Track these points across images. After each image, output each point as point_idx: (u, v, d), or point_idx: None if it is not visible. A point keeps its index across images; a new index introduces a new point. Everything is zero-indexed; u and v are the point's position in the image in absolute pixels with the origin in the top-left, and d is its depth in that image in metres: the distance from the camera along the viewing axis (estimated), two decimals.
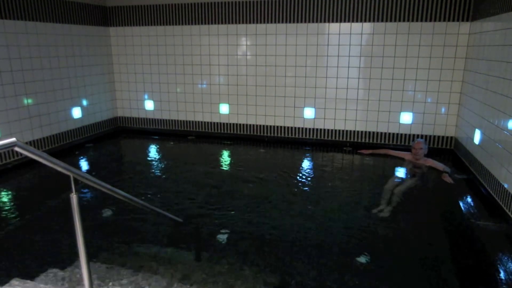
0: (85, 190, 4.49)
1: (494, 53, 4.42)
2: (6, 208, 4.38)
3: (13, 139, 1.62)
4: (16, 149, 1.64)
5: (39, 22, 5.76)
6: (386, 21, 5.92)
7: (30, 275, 2.66)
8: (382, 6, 5.87)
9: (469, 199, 4.40)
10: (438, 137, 6.17)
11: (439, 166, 5.25)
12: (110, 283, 2.51)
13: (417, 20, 5.78)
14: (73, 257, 2.90)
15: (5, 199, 4.67)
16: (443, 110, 6.03)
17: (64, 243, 3.33)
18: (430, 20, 5.73)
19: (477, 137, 4.86)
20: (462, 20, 5.60)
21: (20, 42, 5.46)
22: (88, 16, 6.79)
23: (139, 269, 2.82)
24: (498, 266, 3.05)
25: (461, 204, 4.29)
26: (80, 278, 2.48)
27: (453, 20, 5.64)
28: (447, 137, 6.13)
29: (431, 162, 5.37)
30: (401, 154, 5.83)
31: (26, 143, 1.68)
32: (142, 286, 2.50)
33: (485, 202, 4.27)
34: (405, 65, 6.01)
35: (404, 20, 5.84)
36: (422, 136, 6.20)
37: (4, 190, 4.89)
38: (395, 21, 5.88)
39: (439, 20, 5.69)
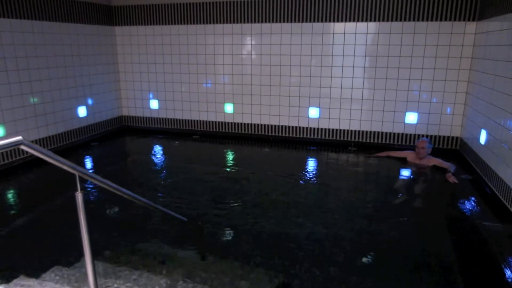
0: (90, 188, 4.51)
1: (501, 53, 4.38)
2: (12, 206, 4.42)
3: (19, 138, 1.62)
4: (22, 147, 1.65)
5: (45, 21, 5.79)
6: (392, 20, 5.89)
7: (36, 273, 2.68)
8: (387, 6, 5.85)
9: (474, 200, 4.37)
10: (444, 137, 6.14)
11: (445, 164, 5.22)
12: (115, 281, 2.52)
13: (423, 20, 5.75)
14: (78, 255, 2.92)
15: (11, 197, 4.70)
16: (448, 110, 6.00)
17: (69, 241, 3.35)
18: (436, 20, 5.69)
19: (483, 137, 4.83)
20: (469, 20, 5.56)
21: (26, 41, 5.49)
22: (94, 15, 6.82)
23: (144, 268, 2.83)
24: (504, 267, 3.03)
25: (466, 204, 4.27)
26: (85, 276, 2.49)
27: (459, 20, 5.60)
28: (453, 137, 6.09)
29: (437, 161, 5.32)
30: (403, 153, 5.77)
31: (32, 141, 1.69)
32: (146, 284, 2.51)
33: (491, 202, 4.25)
34: (411, 65, 5.98)
35: (409, 20, 5.81)
36: (427, 136, 6.16)
37: (10, 188, 4.92)
38: (400, 20, 5.85)
39: (445, 20, 5.66)
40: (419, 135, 6.22)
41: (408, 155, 5.68)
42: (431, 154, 5.46)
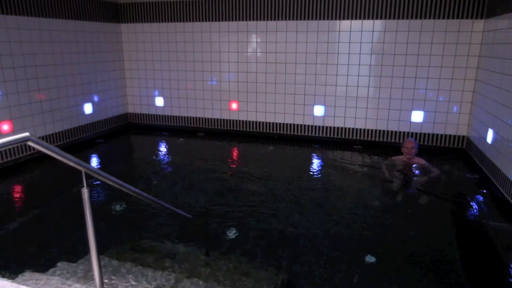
0: (96, 184, 4.53)
1: (509, 51, 4.34)
2: (19, 202, 4.45)
3: (27, 134, 1.64)
4: (30, 143, 1.66)
5: (52, 19, 5.82)
6: (398, 18, 5.85)
7: (42, 268, 2.70)
8: (394, 3, 5.81)
9: (480, 199, 4.34)
10: (450, 136, 6.10)
11: (432, 169, 5.10)
12: (120, 277, 2.53)
13: (429, 18, 5.71)
14: (84, 251, 2.94)
15: (17, 193, 4.74)
16: (455, 109, 5.96)
17: (75, 237, 3.38)
18: (443, 18, 5.65)
19: (489, 136, 4.79)
20: (476, 18, 5.51)
21: (33, 38, 5.52)
22: (100, 12, 6.84)
23: (148, 264, 2.84)
24: (509, 266, 3.01)
25: (472, 204, 4.24)
26: (91, 272, 2.51)
27: (467, 18, 5.55)
28: (459, 136, 6.05)
29: (423, 161, 5.22)
30: (395, 158, 5.64)
31: (39, 138, 1.70)
32: (151, 281, 2.52)
33: (497, 202, 4.22)
34: (417, 63, 5.94)
35: (416, 18, 5.77)
36: (433, 135, 6.13)
37: (17, 184, 4.96)
38: (407, 18, 5.81)
39: (452, 18, 5.61)
40: (425, 134, 6.19)
41: (397, 158, 5.54)
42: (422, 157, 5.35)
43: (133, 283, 2.46)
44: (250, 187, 4.71)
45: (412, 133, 6.26)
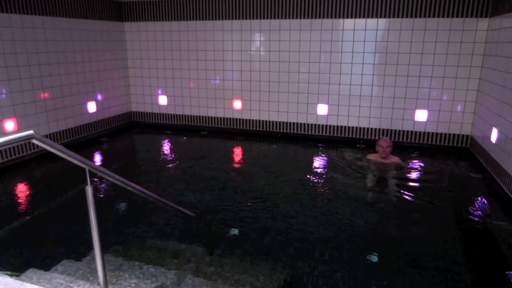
0: (100, 182, 4.55)
1: None
2: (23, 200, 4.47)
3: (31, 132, 1.64)
4: (34, 141, 1.66)
5: (55, 17, 5.84)
6: (402, 17, 5.83)
7: (46, 266, 2.72)
8: (398, 2, 5.78)
9: (484, 199, 4.32)
10: (454, 135, 6.07)
11: (402, 164, 5.31)
12: (123, 275, 2.54)
13: (433, 16, 5.68)
14: (88, 249, 2.96)
15: (21, 191, 4.76)
16: (459, 108, 5.93)
17: (79, 235, 3.39)
18: (448, 16, 5.62)
19: (494, 135, 4.77)
20: (481, 16, 5.48)
21: (37, 36, 5.54)
22: (104, 11, 6.86)
23: (152, 262, 2.85)
24: None
25: (476, 203, 4.22)
26: (94, 270, 2.52)
27: (471, 16, 5.52)
28: (463, 135, 6.02)
29: (397, 159, 5.38)
30: (370, 157, 5.60)
31: (42, 136, 1.71)
32: (154, 279, 2.53)
33: (501, 201, 4.20)
34: (421, 62, 5.91)
35: (420, 16, 5.74)
36: (437, 134, 6.11)
37: (21, 182, 4.99)
38: (411, 17, 5.79)
39: (457, 16, 5.58)
40: (428, 133, 6.17)
41: (371, 156, 5.54)
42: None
43: (137, 280, 2.47)
44: (253, 185, 4.71)
45: (415, 132, 6.24)
